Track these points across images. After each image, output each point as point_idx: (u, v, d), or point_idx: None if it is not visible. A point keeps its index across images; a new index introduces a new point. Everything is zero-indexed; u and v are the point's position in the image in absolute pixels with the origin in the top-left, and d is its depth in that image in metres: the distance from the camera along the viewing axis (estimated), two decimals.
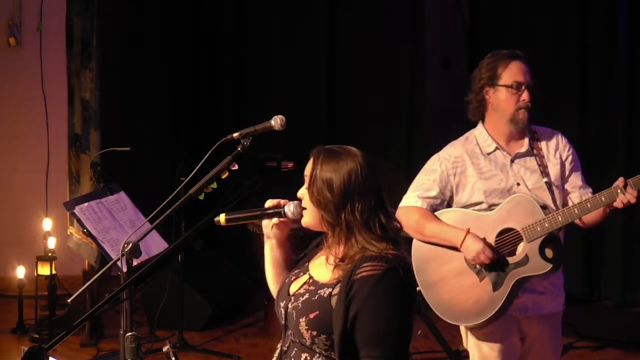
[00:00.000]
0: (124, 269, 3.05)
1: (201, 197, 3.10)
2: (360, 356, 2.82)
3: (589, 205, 3.94)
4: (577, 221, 4.02)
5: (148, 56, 7.67)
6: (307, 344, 2.89)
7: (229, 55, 7.88)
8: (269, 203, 3.03)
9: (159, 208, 3.12)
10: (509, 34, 7.58)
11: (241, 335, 6.52)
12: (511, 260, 3.96)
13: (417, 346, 6.00)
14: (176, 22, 7.74)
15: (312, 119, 7.74)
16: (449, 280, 4.06)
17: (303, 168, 3.04)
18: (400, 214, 4.09)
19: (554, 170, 4.08)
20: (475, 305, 4.01)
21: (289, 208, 2.99)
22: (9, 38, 7.42)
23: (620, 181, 3.92)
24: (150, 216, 3.16)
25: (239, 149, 3.12)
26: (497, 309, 3.96)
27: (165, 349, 3.36)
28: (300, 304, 2.92)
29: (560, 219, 3.93)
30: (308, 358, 2.91)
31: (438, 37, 8.14)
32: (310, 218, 2.97)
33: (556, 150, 4.12)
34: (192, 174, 3.14)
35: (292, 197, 3.02)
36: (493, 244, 3.98)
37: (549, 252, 3.95)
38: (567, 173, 4.12)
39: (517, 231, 3.97)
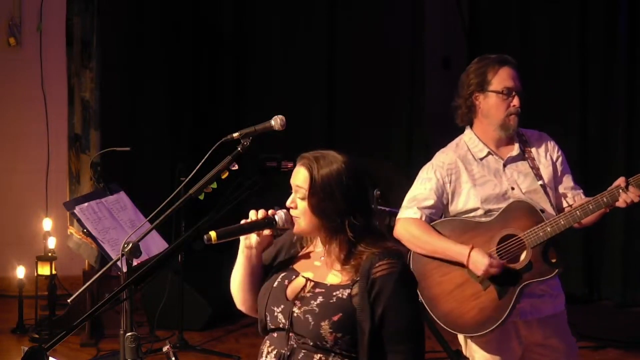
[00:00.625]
0: (124, 269, 3.05)
1: (201, 197, 3.10)
2: (386, 351, 2.90)
3: (590, 207, 3.92)
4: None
5: (148, 56, 7.67)
6: (328, 345, 2.91)
7: (229, 55, 7.88)
8: (254, 214, 3.03)
9: (159, 208, 3.13)
10: (509, 34, 7.58)
11: (241, 335, 6.52)
12: (515, 267, 3.94)
13: None
14: (176, 22, 7.74)
15: (312, 119, 7.74)
16: (451, 291, 4.02)
17: None
18: (399, 226, 4.08)
19: (546, 172, 4.07)
20: (480, 315, 3.97)
21: (281, 217, 3.01)
22: (9, 38, 7.42)
23: (621, 180, 3.91)
24: (150, 216, 3.16)
25: (239, 149, 3.12)
26: (504, 317, 3.93)
27: (165, 349, 3.36)
28: (316, 308, 2.93)
29: (562, 222, 3.91)
30: (323, 359, 2.93)
31: (438, 37, 8.14)
32: (306, 225, 3.00)
33: (546, 152, 4.11)
34: (192, 174, 3.14)
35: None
36: (495, 252, 3.95)
37: (552, 256, 3.93)
38: (559, 174, 4.11)
39: (519, 237, 3.94)
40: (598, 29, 7.41)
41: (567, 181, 4.12)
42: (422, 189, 4.08)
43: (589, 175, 6.92)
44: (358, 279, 2.93)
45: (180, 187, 3.23)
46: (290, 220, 3.02)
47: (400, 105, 7.86)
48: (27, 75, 7.44)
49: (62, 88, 6.90)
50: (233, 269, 3.16)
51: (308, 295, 2.98)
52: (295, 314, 2.96)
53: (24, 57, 7.45)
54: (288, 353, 2.97)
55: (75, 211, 5.09)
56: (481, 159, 4.08)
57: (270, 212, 3.02)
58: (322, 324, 2.90)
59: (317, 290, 2.97)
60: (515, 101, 4.02)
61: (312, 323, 2.92)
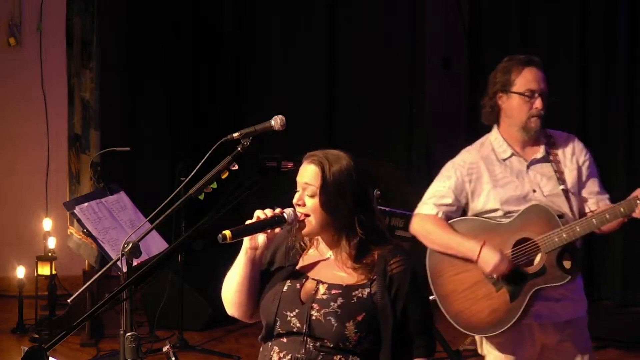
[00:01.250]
0: (124, 269, 3.04)
1: (201, 197, 3.10)
2: (410, 346, 2.96)
3: (607, 216, 3.88)
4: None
5: (148, 56, 7.67)
6: (351, 346, 2.91)
7: (229, 55, 7.88)
8: (262, 213, 3.01)
9: (159, 208, 3.12)
10: (509, 34, 7.57)
11: (241, 335, 6.52)
12: (529, 270, 3.93)
13: None
14: (176, 22, 7.73)
15: (312, 119, 7.74)
16: (464, 290, 4.03)
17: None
18: (415, 222, 4.10)
19: (570, 176, 4.04)
20: (492, 316, 3.98)
21: (290, 215, 3.00)
22: (9, 38, 7.42)
23: (639, 192, 3.87)
24: (150, 216, 3.15)
25: (239, 149, 3.12)
26: (515, 319, 3.93)
27: (165, 349, 3.36)
28: (338, 309, 2.92)
29: (578, 229, 3.88)
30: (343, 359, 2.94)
31: (438, 37, 8.14)
32: (316, 223, 2.99)
33: (572, 155, 4.08)
34: (192, 174, 3.13)
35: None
36: (510, 254, 3.94)
37: (566, 263, 3.91)
38: (584, 179, 4.07)
39: (535, 241, 3.93)
40: (598, 29, 7.41)
41: (592, 186, 4.08)
42: (441, 186, 4.09)
43: None
44: (374, 277, 2.95)
45: (180, 187, 3.23)
46: (297, 219, 3.00)
47: (400, 105, 7.86)
48: (27, 75, 7.44)
49: (62, 88, 6.89)
50: (228, 272, 3.12)
51: (325, 297, 2.96)
52: (314, 317, 2.94)
53: (24, 57, 7.45)
54: (304, 357, 2.94)
55: (75, 211, 5.09)
56: (504, 160, 4.06)
57: (277, 210, 3.01)
58: (347, 324, 2.91)
59: (334, 291, 2.96)
60: (538, 103, 3.99)
61: (336, 325, 2.91)
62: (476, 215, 4.06)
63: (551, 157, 4.06)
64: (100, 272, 3.38)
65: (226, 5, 7.86)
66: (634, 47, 7.33)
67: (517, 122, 4.02)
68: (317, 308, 2.95)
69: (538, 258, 3.93)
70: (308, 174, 2.99)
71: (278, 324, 2.99)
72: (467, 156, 4.11)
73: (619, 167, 7.17)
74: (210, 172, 3.09)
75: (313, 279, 3.01)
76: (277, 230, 3.03)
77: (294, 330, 2.97)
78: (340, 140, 7.56)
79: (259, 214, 3.01)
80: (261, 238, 3.04)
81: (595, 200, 4.06)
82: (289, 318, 2.97)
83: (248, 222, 3.02)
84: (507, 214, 3.99)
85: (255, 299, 3.08)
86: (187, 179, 3.16)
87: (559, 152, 4.08)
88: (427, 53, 7.92)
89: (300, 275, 3.04)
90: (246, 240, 3.06)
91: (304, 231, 3.02)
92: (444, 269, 4.07)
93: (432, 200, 4.08)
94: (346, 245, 2.98)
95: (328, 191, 2.96)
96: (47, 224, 6.80)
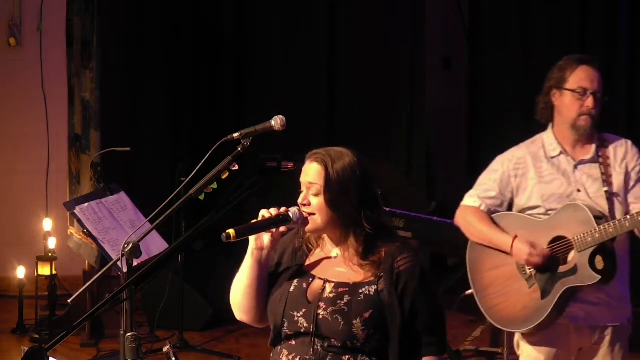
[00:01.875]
0: (124, 269, 3.04)
1: (201, 197, 3.10)
2: (419, 343, 2.93)
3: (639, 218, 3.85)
4: (636, 231, 3.90)
5: (148, 56, 7.67)
6: (359, 344, 2.90)
7: (229, 55, 7.88)
8: (267, 212, 3.00)
9: (159, 208, 3.12)
10: (509, 34, 7.57)
11: (241, 335, 6.52)
12: (561, 268, 3.93)
13: None
14: (176, 22, 7.73)
15: (312, 119, 7.73)
16: (499, 284, 4.06)
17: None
18: (458, 213, 4.16)
19: (617, 179, 4.01)
20: (523, 312, 3.99)
21: (294, 213, 2.99)
22: (9, 38, 7.42)
23: None
24: (150, 216, 3.15)
25: (239, 149, 3.12)
26: (543, 316, 3.93)
27: (165, 349, 3.36)
28: (344, 307, 2.91)
29: (611, 230, 3.86)
30: (351, 359, 2.92)
31: (438, 37, 8.13)
32: (322, 221, 2.98)
33: (623, 159, 4.04)
34: (192, 174, 3.13)
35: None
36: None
37: (599, 263, 3.89)
38: (631, 183, 4.03)
39: (569, 239, 3.92)
40: (598, 29, 7.41)
41: (639, 190, 4.04)
42: (487, 179, 4.13)
43: None
44: (381, 274, 2.94)
45: (180, 187, 3.23)
46: (301, 218, 3.00)
47: (400, 105, 7.86)
48: (27, 75, 7.44)
49: (62, 88, 6.89)
50: (236, 276, 3.10)
51: (331, 295, 2.95)
52: (320, 316, 2.93)
53: (24, 57, 7.45)
54: (313, 358, 2.93)
55: (75, 211, 5.10)
56: (552, 157, 4.06)
57: (282, 209, 3.00)
58: (354, 322, 2.90)
59: (340, 289, 2.96)
60: (589, 102, 3.97)
61: (342, 322, 2.90)
62: (519, 211, 4.08)
63: (600, 159, 4.03)
64: (100, 272, 3.38)
65: (226, 5, 7.86)
66: (634, 47, 7.33)
67: (567, 119, 4.02)
68: (324, 306, 2.94)
69: (571, 256, 3.94)
70: (311, 173, 2.99)
71: (285, 324, 2.98)
72: (516, 151, 4.13)
73: None
74: (210, 172, 3.08)
75: (320, 278, 3.01)
76: (282, 229, 3.02)
77: (302, 330, 2.95)
78: (340, 140, 7.47)
79: (264, 212, 3.01)
80: (266, 238, 3.03)
81: (639, 205, 4.01)
82: (296, 318, 2.96)
83: (253, 221, 3.01)
84: (548, 211, 4.00)
85: (263, 302, 3.07)
86: (187, 179, 3.16)
87: (610, 154, 4.04)
88: (427, 53, 7.92)
89: (307, 274, 3.03)
90: (252, 241, 3.04)
91: (309, 227, 3.00)
92: (482, 264, 4.11)
93: (477, 192, 4.13)
94: (353, 241, 2.97)
95: (332, 189, 2.95)
96: (47, 224, 6.80)
